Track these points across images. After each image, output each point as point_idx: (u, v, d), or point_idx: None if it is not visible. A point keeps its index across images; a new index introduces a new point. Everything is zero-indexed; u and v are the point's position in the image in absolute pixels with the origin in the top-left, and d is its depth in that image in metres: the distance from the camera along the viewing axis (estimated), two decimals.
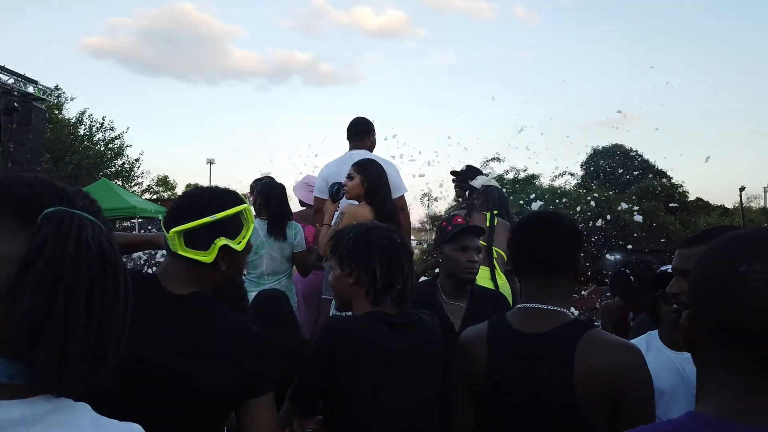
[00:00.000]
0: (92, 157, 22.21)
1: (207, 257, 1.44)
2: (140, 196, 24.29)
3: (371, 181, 3.33)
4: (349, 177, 3.40)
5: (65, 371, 0.74)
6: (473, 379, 1.61)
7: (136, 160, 25.13)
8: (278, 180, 4.22)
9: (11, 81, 11.90)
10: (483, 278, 3.41)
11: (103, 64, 56.72)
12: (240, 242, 1.50)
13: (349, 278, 1.77)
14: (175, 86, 63.10)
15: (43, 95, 13.26)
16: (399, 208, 3.64)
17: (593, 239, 12.08)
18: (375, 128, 4.13)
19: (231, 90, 66.73)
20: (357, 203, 3.38)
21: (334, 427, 1.71)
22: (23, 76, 12.34)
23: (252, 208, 1.60)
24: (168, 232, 1.45)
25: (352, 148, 4.05)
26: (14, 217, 0.76)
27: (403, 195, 3.81)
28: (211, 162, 38.13)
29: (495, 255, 3.54)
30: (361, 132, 4.06)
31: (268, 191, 3.92)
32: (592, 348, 1.48)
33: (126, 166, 24.75)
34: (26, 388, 0.74)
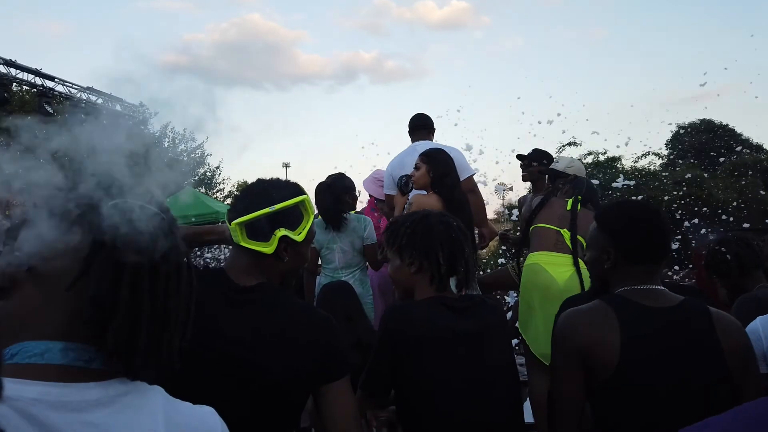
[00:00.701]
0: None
1: (268, 248, 1.45)
2: (222, 201, 25.41)
3: (437, 169, 3.29)
4: (416, 167, 3.38)
5: (134, 354, 0.78)
6: (601, 358, 1.49)
7: (217, 167, 26.33)
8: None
9: (99, 100, 12.73)
10: (564, 265, 3.26)
11: (181, 78, 59.57)
12: (300, 233, 1.49)
13: (411, 267, 1.75)
14: (248, 94, 65.39)
15: (129, 113, 14.10)
16: (469, 190, 3.57)
17: (684, 218, 11.35)
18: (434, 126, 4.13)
19: (301, 94, 68.23)
20: (426, 193, 3.33)
21: (406, 415, 1.68)
22: (110, 95, 13.17)
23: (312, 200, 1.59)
24: (230, 224, 1.47)
25: (414, 141, 4.03)
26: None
27: (471, 176, 3.72)
28: (286, 165, 39.31)
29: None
30: (423, 126, 4.06)
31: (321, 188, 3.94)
32: (723, 321, 1.52)
33: (207, 174, 25.96)
34: (102, 372, 0.78)
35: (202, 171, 25.60)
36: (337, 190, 3.86)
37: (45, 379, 0.73)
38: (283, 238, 1.46)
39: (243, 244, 1.45)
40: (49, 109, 11.19)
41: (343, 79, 67.82)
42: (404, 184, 3.52)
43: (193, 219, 13.60)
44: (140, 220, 0.78)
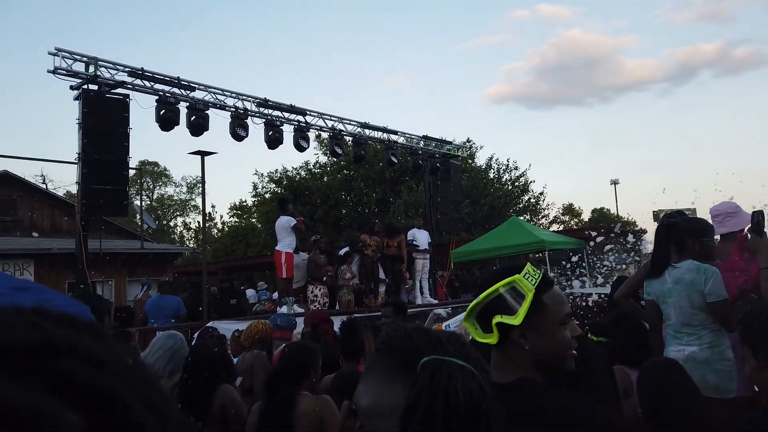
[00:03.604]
0: (502, 196, 24.40)
1: (492, 338, 1.42)
2: (548, 227, 25.34)
3: None
4: None
5: None
6: None
7: (540, 193, 26.44)
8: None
9: (432, 145, 14.24)
10: None
11: (503, 108, 62.20)
12: (516, 317, 1.39)
13: None
14: (570, 113, 64.05)
15: (457, 152, 15.39)
16: None
17: None
18: None
19: (628, 103, 63.45)
20: None
21: None
22: (440, 140, 14.62)
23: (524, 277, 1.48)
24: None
25: None
26: (401, 367, 0.88)
27: None
28: (615, 183, 37.11)
29: None
30: None
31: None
32: None
33: (532, 200, 26.28)
34: None
35: (526, 198, 26.06)
36: (678, 233, 3.40)
37: None
38: (503, 324, 1.40)
39: (479, 339, 1.45)
40: (394, 159, 13.01)
41: (679, 80, 60.99)
42: (756, 223, 2.95)
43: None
44: (449, 379, 0.82)
